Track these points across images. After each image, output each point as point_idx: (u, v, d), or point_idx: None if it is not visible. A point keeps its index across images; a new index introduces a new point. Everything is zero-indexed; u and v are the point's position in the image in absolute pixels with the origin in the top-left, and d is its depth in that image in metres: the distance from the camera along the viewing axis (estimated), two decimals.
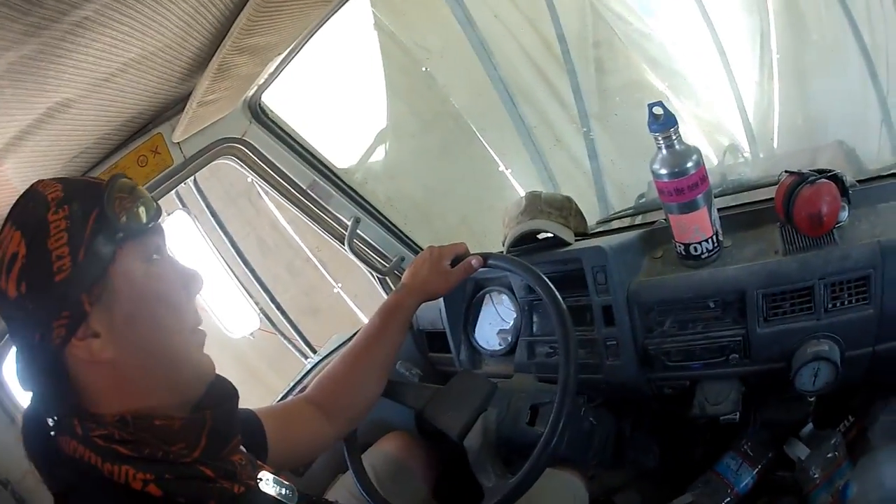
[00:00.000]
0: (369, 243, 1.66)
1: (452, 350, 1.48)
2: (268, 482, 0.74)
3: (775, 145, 2.93)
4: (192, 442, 0.66)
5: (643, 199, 1.72)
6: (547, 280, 1.06)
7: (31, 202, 0.64)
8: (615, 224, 1.64)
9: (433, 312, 1.52)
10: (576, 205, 1.46)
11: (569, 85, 3.04)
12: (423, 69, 3.33)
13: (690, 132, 3.05)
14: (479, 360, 1.47)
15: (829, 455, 1.19)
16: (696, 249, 1.17)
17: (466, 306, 1.49)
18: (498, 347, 1.43)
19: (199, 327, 0.73)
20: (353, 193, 1.61)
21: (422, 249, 1.39)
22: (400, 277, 1.36)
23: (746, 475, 1.29)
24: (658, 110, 1.11)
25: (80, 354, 0.62)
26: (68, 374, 0.64)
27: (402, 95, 3.29)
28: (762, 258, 1.14)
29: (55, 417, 0.66)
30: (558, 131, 3.16)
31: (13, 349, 0.68)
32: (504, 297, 1.45)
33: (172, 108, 1.07)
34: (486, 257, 1.14)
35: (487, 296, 1.48)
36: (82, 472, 0.62)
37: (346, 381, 1.07)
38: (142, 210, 0.67)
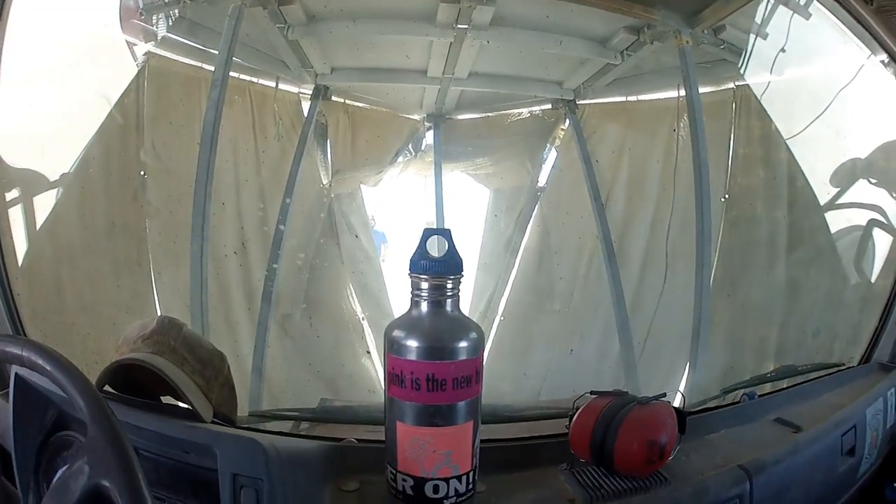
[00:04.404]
0: None
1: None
2: None
3: None
4: None
5: (328, 404, 1.36)
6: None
7: None
8: (276, 425, 1.20)
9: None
10: (229, 371, 0.99)
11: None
12: (141, 173, 2.63)
13: None
14: None
15: None
16: (437, 490, 0.77)
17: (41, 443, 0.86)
18: None
19: None
20: None
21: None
22: None
23: None
24: (437, 237, 0.77)
25: None
26: None
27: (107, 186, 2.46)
28: None
29: None
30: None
31: None
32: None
33: None
34: None
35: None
36: None
37: None
38: None
